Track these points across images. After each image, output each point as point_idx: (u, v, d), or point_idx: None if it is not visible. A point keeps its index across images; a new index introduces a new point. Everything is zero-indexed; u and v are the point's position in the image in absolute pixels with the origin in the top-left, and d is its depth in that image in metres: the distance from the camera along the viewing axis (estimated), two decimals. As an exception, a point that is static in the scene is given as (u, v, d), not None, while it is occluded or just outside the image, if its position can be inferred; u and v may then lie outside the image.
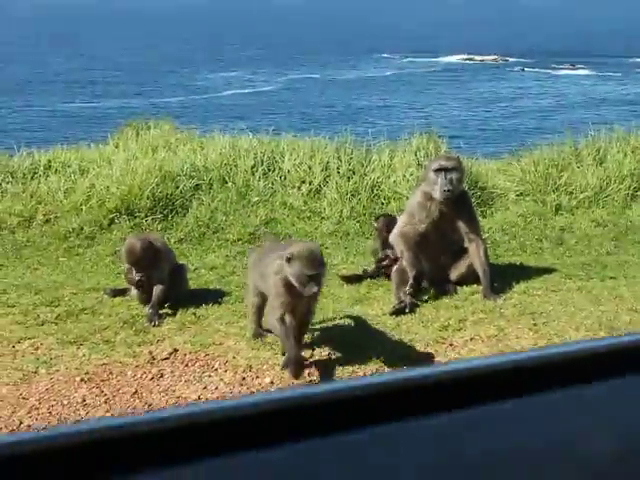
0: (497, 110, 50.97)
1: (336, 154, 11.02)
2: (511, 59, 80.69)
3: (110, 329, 7.07)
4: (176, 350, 6.66)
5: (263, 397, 1.23)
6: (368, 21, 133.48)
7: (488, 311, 7.34)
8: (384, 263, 8.27)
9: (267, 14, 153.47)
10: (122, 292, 7.87)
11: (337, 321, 7.15)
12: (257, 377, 6.22)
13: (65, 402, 5.88)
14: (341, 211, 10.15)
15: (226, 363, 6.42)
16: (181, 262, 8.16)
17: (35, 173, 10.87)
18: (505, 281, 8.00)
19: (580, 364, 1.27)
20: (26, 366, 6.38)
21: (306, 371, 6.18)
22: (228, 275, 8.45)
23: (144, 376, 6.28)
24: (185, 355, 6.60)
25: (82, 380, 6.16)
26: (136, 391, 6.05)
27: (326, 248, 9.29)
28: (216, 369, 6.35)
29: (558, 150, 11.68)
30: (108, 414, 5.71)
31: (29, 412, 5.74)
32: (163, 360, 6.53)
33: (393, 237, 8.05)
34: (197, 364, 6.45)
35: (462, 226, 7.89)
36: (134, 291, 7.69)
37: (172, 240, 9.29)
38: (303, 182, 10.66)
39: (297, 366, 5.96)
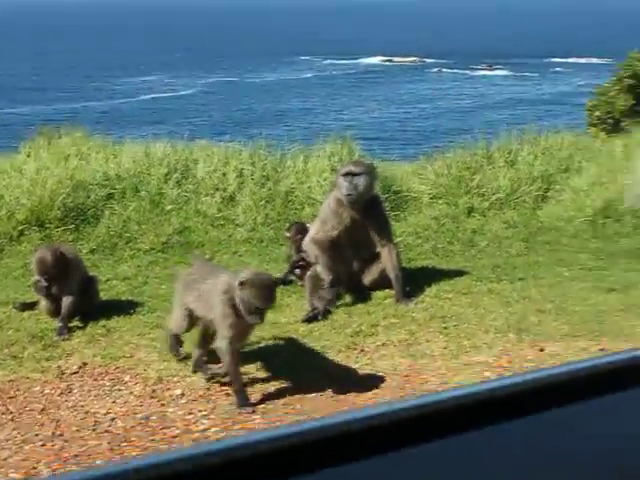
0: (416, 112, 51.51)
1: (250, 160, 11.01)
2: (429, 60, 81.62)
3: (18, 344, 6.93)
4: (85, 364, 6.56)
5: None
6: (287, 24, 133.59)
7: (400, 316, 7.40)
8: (300, 264, 8.25)
9: (187, 18, 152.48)
10: (31, 306, 7.72)
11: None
12: (168, 389, 6.15)
13: (-30, 421, 5.74)
14: (255, 218, 10.13)
15: (136, 376, 6.35)
16: (92, 273, 8.04)
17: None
18: (417, 285, 8.08)
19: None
20: None
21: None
22: (140, 286, 8.35)
23: (53, 392, 6.17)
24: (95, 369, 6.50)
25: (-12, 398, 6.03)
26: (44, 407, 5.94)
27: (240, 255, 9.27)
28: (126, 382, 6.27)
29: (471, 153, 11.84)
30: (15, 432, 5.60)
31: None
32: (72, 375, 6.42)
33: (306, 244, 8.07)
34: (107, 378, 6.36)
35: (374, 231, 7.94)
36: (43, 304, 7.55)
37: (84, 251, 9.15)
38: (217, 189, 10.61)
39: (243, 394, 5.82)
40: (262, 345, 6.80)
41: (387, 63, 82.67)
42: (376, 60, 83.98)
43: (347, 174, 7.76)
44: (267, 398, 5.88)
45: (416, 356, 6.53)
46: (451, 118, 47.38)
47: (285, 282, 8.24)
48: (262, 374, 6.27)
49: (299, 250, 8.31)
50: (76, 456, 5.12)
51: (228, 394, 5.95)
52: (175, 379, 6.26)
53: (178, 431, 5.43)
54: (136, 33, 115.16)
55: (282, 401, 5.84)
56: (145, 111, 50.19)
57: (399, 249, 8.34)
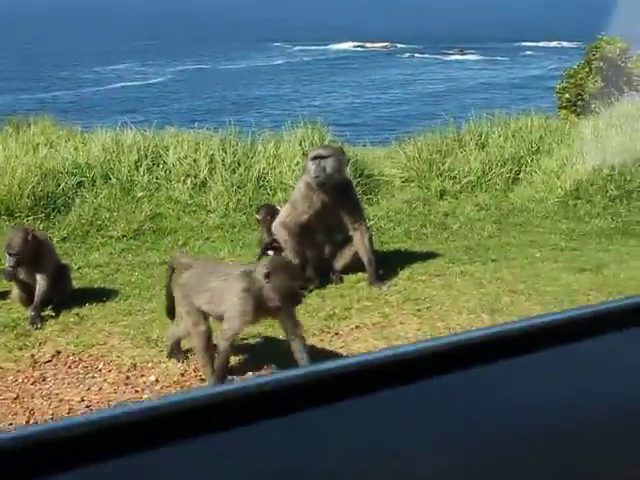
0: (388, 97, 51.48)
1: (221, 146, 10.96)
2: (401, 45, 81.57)
3: (-10, 334, 6.89)
4: (59, 352, 6.53)
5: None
6: (257, 11, 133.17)
7: (373, 298, 7.43)
8: (272, 245, 8.24)
9: (157, 5, 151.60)
10: (3, 295, 7.67)
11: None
12: (142, 375, 6.14)
13: (-58, 412, 5.70)
14: (227, 204, 10.10)
15: (110, 363, 6.33)
16: (65, 262, 8.00)
17: None
18: (390, 268, 8.10)
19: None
20: None
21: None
22: (112, 273, 8.31)
23: (26, 380, 6.14)
24: (68, 357, 6.47)
25: (-40, 388, 5.99)
26: (17, 396, 5.91)
27: (212, 241, 9.25)
28: (100, 369, 6.26)
29: (442, 136, 11.87)
30: (-12, 422, 5.57)
31: None
32: (45, 363, 6.40)
33: (275, 227, 8.07)
34: (80, 365, 6.34)
35: (345, 215, 7.95)
36: (15, 292, 7.50)
37: (55, 239, 9.07)
38: (188, 176, 10.57)
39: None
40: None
41: (358, 49, 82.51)
42: (347, 46, 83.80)
43: (315, 157, 7.78)
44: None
45: (390, 338, 6.56)
46: (424, 103, 47.37)
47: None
48: (236, 360, 6.27)
49: (269, 231, 8.30)
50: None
51: (202, 379, 5.95)
52: (149, 365, 6.25)
53: (152, 417, 5.41)
54: (105, 21, 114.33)
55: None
56: (115, 100, 49.79)
57: (371, 232, 8.36)
